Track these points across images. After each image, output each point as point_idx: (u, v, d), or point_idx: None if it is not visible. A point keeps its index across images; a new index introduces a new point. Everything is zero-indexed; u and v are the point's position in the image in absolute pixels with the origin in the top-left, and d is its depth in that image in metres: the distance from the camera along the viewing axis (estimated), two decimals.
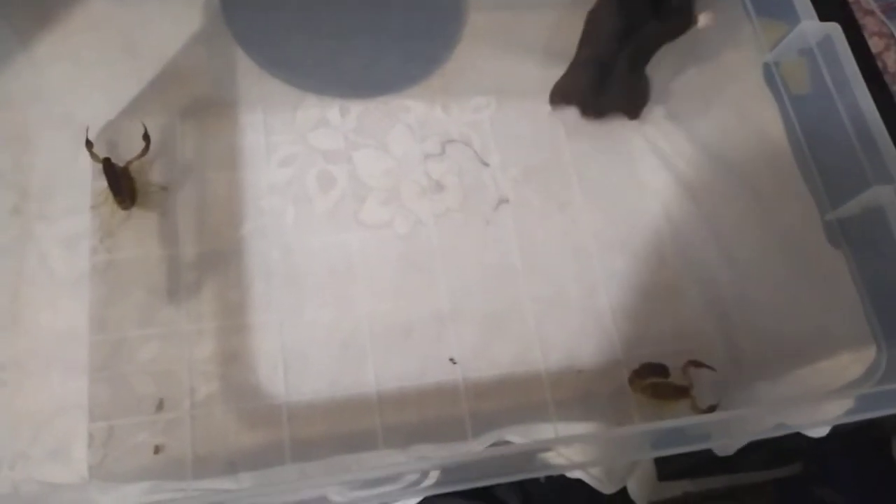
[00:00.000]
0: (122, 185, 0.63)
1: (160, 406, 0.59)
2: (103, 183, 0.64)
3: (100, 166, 0.64)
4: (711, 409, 0.61)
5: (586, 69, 0.70)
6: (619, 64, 0.67)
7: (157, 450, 0.58)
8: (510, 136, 0.73)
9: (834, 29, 0.56)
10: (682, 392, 0.62)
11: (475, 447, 0.60)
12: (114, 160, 0.64)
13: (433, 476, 0.52)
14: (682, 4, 0.66)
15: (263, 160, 0.69)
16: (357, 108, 0.72)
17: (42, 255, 0.62)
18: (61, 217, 0.64)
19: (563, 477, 0.91)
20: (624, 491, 0.99)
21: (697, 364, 0.62)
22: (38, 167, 0.65)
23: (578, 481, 0.78)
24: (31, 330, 0.60)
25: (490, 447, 0.60)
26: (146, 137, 0.65)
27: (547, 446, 0.53)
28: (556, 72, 0.75)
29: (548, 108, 0.73)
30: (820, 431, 0.66)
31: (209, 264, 0.64)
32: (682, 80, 0.74)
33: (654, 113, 0.75)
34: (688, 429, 0.49)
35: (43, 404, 0.58)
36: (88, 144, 0.64)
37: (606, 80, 0.68)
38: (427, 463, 0.53)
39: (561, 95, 0.72)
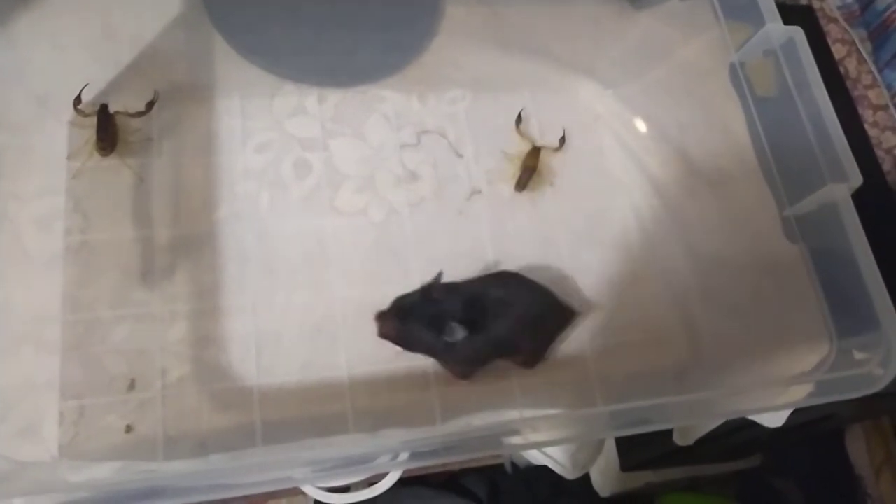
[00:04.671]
0: (108, 130, 0.64)
1: (132, 386, 0.60)
2: (81, 138, 0.65)
3: (77, 131, 0.65)
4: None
5: None
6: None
7: (128, 429, 0.58)
8: (484, 128, 0.74)
9: (797, 32, 0.58)
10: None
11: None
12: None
13: (402, 456, 0.53)
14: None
15: (239, 145, 0.69)
16: (335, 97, 0.73)
17: (16, 235, 0.62)
18: (35, 197, 0.63)
19: (528, 468, 0.93)
20: (588, 482, 1.01)
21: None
22: (13, 147, 0.65)
23: (544, 472, 0.79)
24: (3, 308, 0.60)
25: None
26: (150, 104, 0.66)
27: (513, 428, 0.55)
28: (531, 66, 0.76)
29: (521, 102, 0.75)
30: (776, 421, 0.67)
31: (183, 247, 0.65)
32: (651, 79, 0.76)
33: (625, 111, 0.77)
34: (648, 410, 0.50)
35: (14, 382, 0.58)
36: (77, 101, 0.65)
37: None
38: (392, 443, 0.54)
39: None
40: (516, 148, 0.74)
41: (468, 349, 0.61)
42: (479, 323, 0.60)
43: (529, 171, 0.72)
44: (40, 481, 0.55)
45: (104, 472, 0.56)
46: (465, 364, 0.64)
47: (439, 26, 0.76)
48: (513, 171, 0.72)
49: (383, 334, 0.60)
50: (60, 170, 0.65)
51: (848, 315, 0.54)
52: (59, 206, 0.64)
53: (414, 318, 0.60)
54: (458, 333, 0.58)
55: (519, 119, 0.74)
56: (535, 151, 0.72)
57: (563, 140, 0.74)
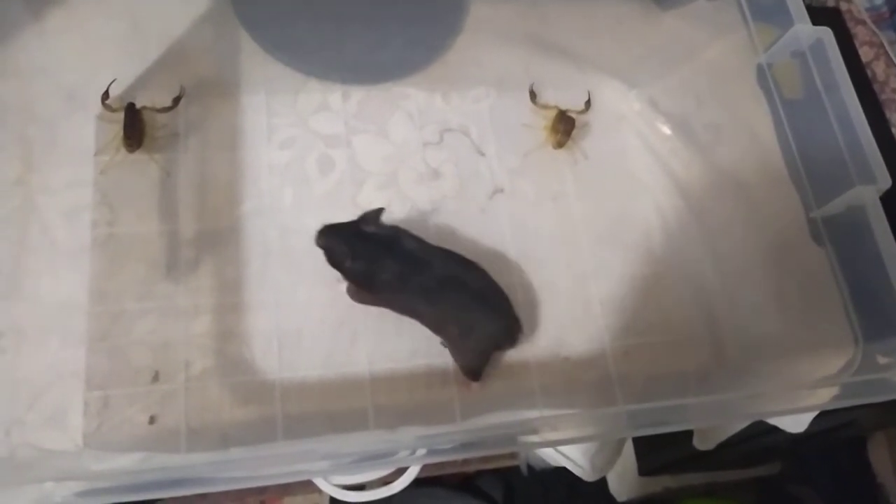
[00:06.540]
0: (135, 127, 0.65)
1: (156, 378, 0.60)
2: (108, 132, 0.66)
3: (104, 125, 0.66)
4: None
5: None
6: None
7: (151, 420, 0.59)
8: (507, 127, 0.74)
9: (825, 33, 0.58)
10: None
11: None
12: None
13: (419, 452, 0.54)
14: None
15: (264, 141, 0.70)
16: (358, 94, 0.73)
17: (44, 226, 0.63)
18: (63, 189, 0.64)
19: (544, 470, 0.92)
20: (605, 486, 1.00)
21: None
22: (42, 139, 0.65)
23: (560, 474, 0.79)
24: (31, 299, 0.61)
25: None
26: (177, 100, 0.67)
27: (531, 426, 0.55)
28: (555, 65, 0.76)
29: (544, 101, 0.75)
30: (798, 426, 0.67)
31: (208, 241, 0.65)
32: (676, 79, 0.76)
33: (649, 111, 0.76)
34: (668, 410, 0.50)
35: (41, 372, 0.59)
36: (104, 96, 0.66)
37: None
38: (409, 439, 0.54)
39: None
40: (540, 117, 0.74)
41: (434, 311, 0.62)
42: (404, 273, 0.60)
43: (567, 125, 0.72)
44: (64, 469, 0.56)
45: (127, 463, 0.57)
46: (469, 367, 0.63)
47: (464, 24, 0.77)
48: (546, 135, 0.73)
49: (317, 243, 0.61)
50: (88, 163, 0.65)
51: (874, 319, 0.54)
52: (86, 199, 0.64)
53: (335, 236, 0.61)
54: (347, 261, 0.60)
55: (533, 95, 0.74)
56: (563, 114, 0.73)
57: (588, 103, 0.74)
